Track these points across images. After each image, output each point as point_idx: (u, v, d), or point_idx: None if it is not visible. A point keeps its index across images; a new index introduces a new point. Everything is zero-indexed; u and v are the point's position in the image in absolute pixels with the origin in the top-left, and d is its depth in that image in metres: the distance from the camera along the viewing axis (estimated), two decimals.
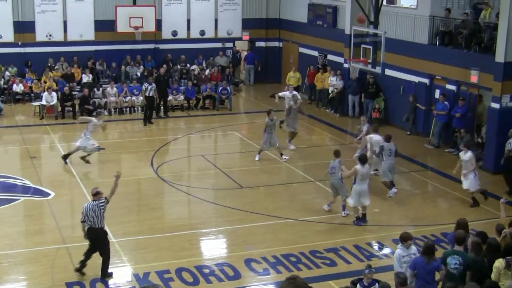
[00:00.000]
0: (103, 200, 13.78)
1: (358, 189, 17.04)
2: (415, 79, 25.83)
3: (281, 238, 16.19)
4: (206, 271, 14.40)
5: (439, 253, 12.73)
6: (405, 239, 12.10)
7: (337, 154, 17.92)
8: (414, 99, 25.67)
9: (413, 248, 12.17)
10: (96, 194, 13.81)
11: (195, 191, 19.59)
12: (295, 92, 24.48)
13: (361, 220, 17.16)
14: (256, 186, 20.04)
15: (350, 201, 17.23)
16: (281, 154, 22.40)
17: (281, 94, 24.66)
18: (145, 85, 27.34)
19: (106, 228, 14.14)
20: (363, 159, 17.31)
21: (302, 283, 6.23)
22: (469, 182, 18.51)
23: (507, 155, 19.91)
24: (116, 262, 14.75)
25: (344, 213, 17.57)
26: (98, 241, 13.85)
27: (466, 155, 18.46)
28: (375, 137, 20.07)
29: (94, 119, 21.96)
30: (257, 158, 22.35)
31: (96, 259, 14.12)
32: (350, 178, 17.46)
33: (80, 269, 13.88)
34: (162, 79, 28.77)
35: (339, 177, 17.52)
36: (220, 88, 30.51)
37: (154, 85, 27.33)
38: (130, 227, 16.79)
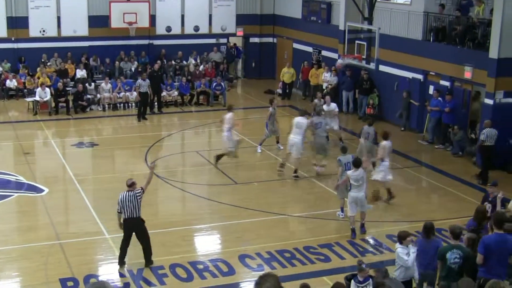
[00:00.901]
0: (139, 190, 13.97)
1: (354, 196, 16.01)
2: (409, 75, 25.85)
3: (275, 234, 16.19)
4: (200, 267, 14.40)
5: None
6: (403, 237, 12.05)
7: (344, 150, 17.57)
8: (408, 95, 25.69)
9: (411, 247, 12.03)
10: (131, 185, 14.02)
11: (189, 187, 19.58)
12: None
13: (355, 233, 16.23)
14: (250, 182, 20.03)
15: (348, 211, 16.29)
16: (278, 142, 22.89)
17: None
18: (139, 81, 27.30)
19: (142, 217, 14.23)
20: (356, 163, 16.08)
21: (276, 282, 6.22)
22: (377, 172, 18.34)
23: (480, 144, 20.39)
24: (110, 258, 14.75)
25: (341, 215, 17.36)
26: (138, 230, 14.09)
27: (383, 143, 18.28)
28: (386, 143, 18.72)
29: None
30: (259, 150, 22.42)
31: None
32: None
33: (121, 261, 14.20)
34: (156, 75, 28.73)
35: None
36: (214, 84, 30.49)
37: (148, 81, 27.27)
38: None
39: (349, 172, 16.09)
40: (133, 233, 14.15)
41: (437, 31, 24.62)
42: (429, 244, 12.02)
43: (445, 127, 23.68)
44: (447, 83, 24.05)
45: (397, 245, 12.14)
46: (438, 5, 24.85)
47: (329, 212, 17.63)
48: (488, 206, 14.22)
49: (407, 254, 11.87)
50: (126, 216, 13.92)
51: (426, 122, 24.70)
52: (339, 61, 25.27)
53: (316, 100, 24.62)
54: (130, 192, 13.88)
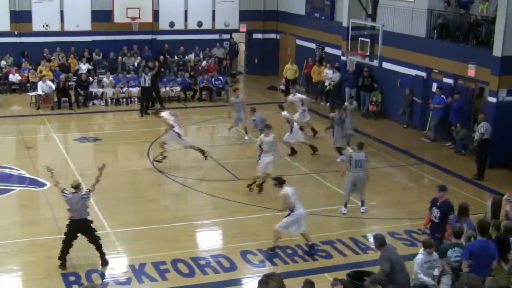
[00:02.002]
0: (86, 192, 13.81)
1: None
2: (412, 72, 25.82)
3: None
4: (202, 262, 14.39)
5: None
6: (428, 246, 11.80)
7: (361, 146, 17.44)
8: (410, 93, 25.65)
9: (435, 254, 11.86)
10: (77, 187, 13.76)
11: (191, 182, 19.58)
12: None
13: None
14: (252, 178, 19.99)
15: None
16: (246, 132, 23.76)
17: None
18: (142, 75, 27.44)
19: (94, 218, 14.25)
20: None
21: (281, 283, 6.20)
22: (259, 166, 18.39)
23: (479, 138, 20.32)
24: (112, 253, 14.74)
25: (364, 209, 17.43)
26: (85, 231, 13.88)
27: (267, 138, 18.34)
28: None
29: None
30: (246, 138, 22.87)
31: (89, 250, 14.13)
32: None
33: (63, 262, 13.90)
34: (157, 72, 28.77)
35: (365, 171, 17.13)
36: (214, 79, 30.52)
37: (150, 74, 27.30)
38: (125, 218, 16.77)
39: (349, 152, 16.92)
40: (79, 235, 13.93)
41: (441, 29, 24.57)
42: (486, 244, 11.58)
43: (450, 125, 23.64)
44: (450, 81, 24.02)
45: (421, 250, 11.90)
46: (442, 2, 24.78)
47: (331, 209, 17.62)
48: (436, 211, 13.72)
49: (425, 267, 11.65)
50: (72, 218, 13.72)
51: (429, 120, 24.67)
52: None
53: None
54: (76, 194, 13.67)
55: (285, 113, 22.42)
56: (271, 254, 14.75)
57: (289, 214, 14.66)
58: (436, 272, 11.71)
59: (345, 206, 17.33)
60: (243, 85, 35.06)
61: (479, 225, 11.83)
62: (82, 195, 13.70)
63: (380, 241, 11.91)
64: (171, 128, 20.76)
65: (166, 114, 21.22)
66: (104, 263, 14.04)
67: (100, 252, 14.06)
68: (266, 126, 18.94)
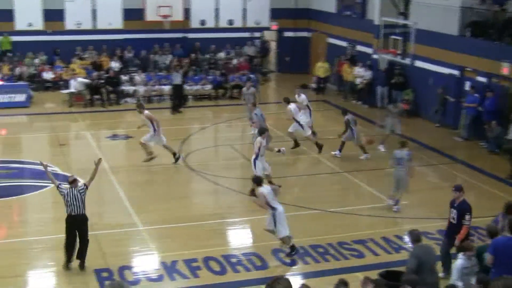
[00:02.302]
0: (82, 187, 13.73)
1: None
2: (445, 70, 25.59)
3: (309, 229, 16.15)
4: (234, 260, 14.41)
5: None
6: (467, 249, 11.58)
7: (404, 144, 17.42)
8: (443, 91, 25.43)
9: (474, 260, 11.63)
10: (73, 182, 13.68)
11: (222, 180, 19.61)
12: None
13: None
14: (283, 177, 19.97)
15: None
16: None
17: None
18: (173, 73, 27.58)
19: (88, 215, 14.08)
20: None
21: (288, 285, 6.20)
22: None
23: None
24: (144, 250, 14.86)
25: (396, 208, 17.36)
26: (80, 228, 13.71)
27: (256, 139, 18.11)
28: None
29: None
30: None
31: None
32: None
33: (68, 263, 13.74)
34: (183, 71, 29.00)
35: (405, 169, 17.10)
36: (245, 77, 30.53)
37: (181, 72, 27.48)
38: (157, 215, 16.85)
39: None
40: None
41: (474, 26, 24.30)
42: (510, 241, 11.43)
43: (482, 124, 23.39)
44: (483, 79, 23.76)
45: (460, 255, 11.65)
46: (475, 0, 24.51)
47: (363, 208, 17.54)
48: (454, 212, 13.39)
49: (465, 273, 11.38)
50: (70, 213, 13.59)
51: (462, 119, 24.44)
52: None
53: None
54: (73, 189, 13.57)
55: (291, 106, 22.40)
56: (293, 255, 14.61)
57: (273, 216, 14.48)
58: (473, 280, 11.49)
59: (396, 203, 17.35)
60: (274, 83, 35.09)
61: (509, 222, 11.69)
62: (79, 189, 13.61)
63: (413, 237, 11.81)
64: (157, 126, 20.48)
65: (148, 113, 20.76)
66: (81, 267, 13.73)
67: (81, 255, 13.76)
68: (265, 130, 18.62)
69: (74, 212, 13.56)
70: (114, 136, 23.90)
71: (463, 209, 13.26)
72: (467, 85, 24.41)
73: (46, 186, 18.53)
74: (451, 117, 25.46)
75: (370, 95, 29.41)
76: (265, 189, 14.63)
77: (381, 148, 22.62)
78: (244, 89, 25.59)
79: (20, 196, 18.18)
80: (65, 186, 13.81)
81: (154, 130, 20.45)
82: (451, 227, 13.51)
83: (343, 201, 18.10)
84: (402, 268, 12.63)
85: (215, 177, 19.88)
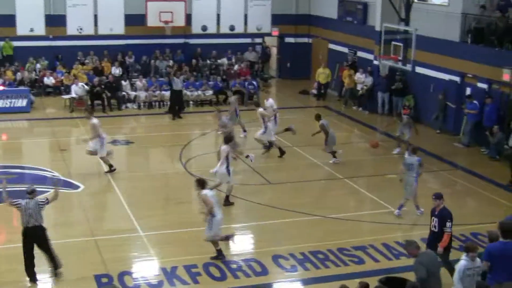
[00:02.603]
0: (44, 200, 13.39)
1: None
2: (446, 77, 25.60)
3: (309, 235, 16.14)
4: (234, 266, 14.40)
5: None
6: (470, 249, 11.44)
7: (414, 150, 17.51)
8: (444, 97, 25.43)
9: (478, 261, 11.52)
10: (31, 192, 13.38)
11: (223, 186, 19.56)
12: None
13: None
14: (283, 182, 20.00)
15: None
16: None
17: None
18: (172, 78, 27.61)
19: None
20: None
21: None
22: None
23: None
24: (144, 255, 14.85)
25: (397, 213, 17.41)
26: (38, 239, 13.35)
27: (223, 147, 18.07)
28: None
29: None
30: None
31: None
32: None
33: (31, 275, 13.48)
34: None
35: (416, 175, 17.18)
36: (247, 83, 30.58)
37: (181, 78, 27.58)
38: (157, 221, 16.85)
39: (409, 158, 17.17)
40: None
41: (475, 33, 24.31)
42: (506, 246, 11.40)
43: (483, 129, 23.38)
44: (484, 86, 23.76)
45: (463, 256, 11.54)
46: (476, 6, 24.52)
47: (363, 214, 17.55)
48: (435, 221, 13.31)
49: (467, 274, 11.31)
50: (26, 225, 13.15)
51: (463, 125, 24.43)
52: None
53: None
54: (31, 200, 13.23)
55: (261, 109, 22.73)
56: (219, 259, 14.60)
57: (210, 222, 14.46)
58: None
59: (400, 208, 17.44)
60: (274, 89, 35.10)
61: (501, 227, 11.68)
62: (39, 202, 13.24)
63: (412, 246, 11.70)
64: (98, 135, 20.18)
65: (96, 120, 20.46)
66: (56, 275, 13.55)
67: (54, 264, 13.55)
68: (232, 138, 18.67)
69: (31, 224, 13.16)
70: (115, 142, 23.88)
71: (443, 216, 13.21)
72: (468, 91, 24.40)
73: (46, 191, 18.51)
74: (451, 124, 25.46)
75: (370, 101, 29.42)
76: (209, 192, 14.62)
77: (396, 150, 22.74)
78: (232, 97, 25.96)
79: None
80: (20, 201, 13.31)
81: (100, 137, 20.16)
82: (432, 235, 13.47)
83: (343, 207, 18.08)
84: (403, 275, 12.64)
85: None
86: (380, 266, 14.52)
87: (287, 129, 23.00)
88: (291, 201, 18.36)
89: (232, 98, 25.71)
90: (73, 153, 23.21)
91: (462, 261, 11.46)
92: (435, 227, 13.32)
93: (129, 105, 29.23)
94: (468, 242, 12.31)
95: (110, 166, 20.33)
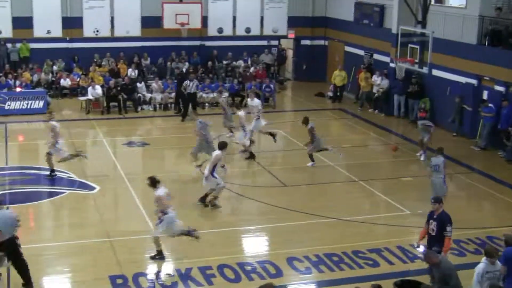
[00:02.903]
0: (16, 216, 12.93)
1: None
2: (463, 79, 25.46)
3: (324, 237, 16.10)
4: (248, 268, 14.37)
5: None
6: (490, 255, 11.39)
7: (440, 150, 17.54)
8: (460, 100, 25.30)
9: (498, 264, 11.47)
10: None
11: (238, 188, 19.59)
12: None
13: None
14: (299, 185, 19.96)
15: None
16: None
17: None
18: (186, 82, 27.67)
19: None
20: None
21: None
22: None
23: None
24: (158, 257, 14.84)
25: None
26: (9, 250, 12.80)
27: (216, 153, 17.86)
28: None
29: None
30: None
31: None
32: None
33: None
34: (181, 78, 29.03)
35: (443, 176, 17.20)
36: (264, 86, 30.56)
37: (195, 81, 27.68)
38: None
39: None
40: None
41: (492, 35, 24.16)
42: None
43: (499, 132, 23.24)
44: (501, 88, 23.62)
45: (483, 259, 11.49)
46: (494, 9, 24.39)
47: (379, 217, 17.46)
48: (433, 224, 13.14)
49: (486, 277, 11.22)
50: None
51: (480, 128, 24.29)
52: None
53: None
54: (5, 211, 12.91)
55: (241, 113, 22.65)
56: (159, 259, 14.59)
57: (161, 219, 14.49)
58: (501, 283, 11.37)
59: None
60: (290, 91, 35.08)
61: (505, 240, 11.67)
62: (10, 212, 12.91)
63: (434, 254, 11.66)
64: (57, 138, 20.06)
65: (56, 123, 20.33)
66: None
67: (25, 278, 13.03)
68: (226, 144, 18.40)
69: (6, 236, 12.62)
70: (131, 143, 23.96)
71: (443, 220, 13.07)
72: (485, 94, 24.26)
73: (62, 193, 18.62)
74: (468, 126, 25.31)
75: (387, 103, 29.32)
76: (162, 190, 14.57)
77: (422, 157, 22.70)
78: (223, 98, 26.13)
79: (36, 202, 18.23)
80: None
81: (57, 141, 20.04)
82: (430, 238, 13.32)
83: (358, 210, 18.01)
84: (418, 278, 12.59)
85: (230, 184, 19.84)
86: (395, 269, 14.44)
87: (271, 134, 22.71)
88: (306, 203, 18.32)
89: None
90: (89, 154, 23.26)
91: (481, 264, 11.41)
92: (433, 230, 13.16)
93: (144, 107, 29.33)
94: (488, 246, 12.18)
95: (53, 170, 20.09)
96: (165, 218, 14.45)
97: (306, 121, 21.64)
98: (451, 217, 13.20)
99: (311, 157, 21.60)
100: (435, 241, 13.11)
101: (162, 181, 14.68)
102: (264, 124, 23.44)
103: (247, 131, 22.26)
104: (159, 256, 14.64)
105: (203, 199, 17.96)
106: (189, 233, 14.92)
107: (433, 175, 17.27)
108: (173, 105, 29.29)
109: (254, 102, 23.91)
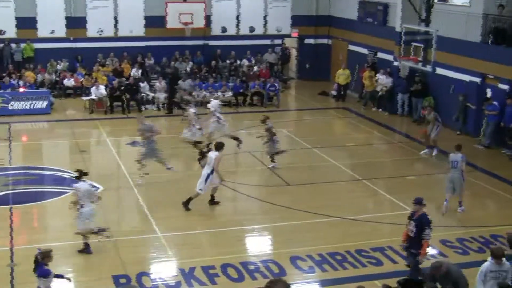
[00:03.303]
0: None
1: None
2: (466, 78, 25.41)
3: (327, 236, 16.09)
4: (251, 267, 14.37)
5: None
6: (496, 256, 11.27)
7: (459, 147, 17.72)
8: (464, 98, 25.25)
9: (507, 265, 11.34)
10: None
11: (241, 187, 19.59)
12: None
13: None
14: (302, 184, 19.95)
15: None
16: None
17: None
18: (180, 81, 27.85)
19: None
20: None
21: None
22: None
23: None
24: (162, 256, 14.87)
25: (460, 210, 17.64)
26: None
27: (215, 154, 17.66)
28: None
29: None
30: None
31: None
32: None
33: None
34: (172, 77, 29.09)
35: (461, 172, 17.40)
36: (268, 85, 30.54)
37: (189, 81, 27.92)
38: (176, 222, 16.86)
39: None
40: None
41: (497, 33, 24.10)
42: None
43: (502, 130, 23.19)
44: (505, 86, 23.56)
45: (489, 259, 11.40)
46: (497, 6, 24.32)
47: (382, 216, 17.43)
48: (412, 225, 12.97)
49: (490, 276, 11.15)
50: None
51: (483, 126, 24.23)
52: None
53: None
54: None
55: (190, 110, 22.53)
56: (85, 253, 14.78)
57: (80, 214, 14.74)
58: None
59: (460, 205, 17.79)
60: (294, 90, 35.06)
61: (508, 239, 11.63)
62: None
63: (442, 267, 11.55)
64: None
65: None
66: None
67: None
68: (223, 145, 18.13)
69: None
70: (134, 143, 23.96)
71: (422, 222, 12.91)
72: (489, 92, 24.22)
73: (66, 193, 18.62)
74: (472, 125, 25.26)
75: (390, 102, 29.28)
76: (82, 184, 14.88)
77: (434, 152, 22.75)
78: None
79: (40, 202, 18.27)
80: None
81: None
82: (410, 240, 13.21)
83: (362, 209, 18.00)
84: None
85: (234, 184, 19.85)
86: (398, 267, 14.40)
87: (236, 139, 22.52)
88: (309, 202, 18.31)
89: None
90: (93, 154, 23.34)
91: (486, 263, 11.38)
92: (412, 231, 13.03)
93: (148, 106, 29.33)
94: (494, 247, 12.10)
95: None
96: (82, 213, 14.70)
97: (264, 120, 21.59)
98: (430, 220, 13.04)
99: (272, 158, 21.45)
100: (414, 243, 13.02)
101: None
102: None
103: (196, 128, 22.10)
104: (86, 250, 14.85)
105: (212, 201, 17.93)
106: (99, 231, 15.00)
107: (450, 171, 17.45)
108: (165, 105, 29.31)
109: (212, 104, 23.08)
